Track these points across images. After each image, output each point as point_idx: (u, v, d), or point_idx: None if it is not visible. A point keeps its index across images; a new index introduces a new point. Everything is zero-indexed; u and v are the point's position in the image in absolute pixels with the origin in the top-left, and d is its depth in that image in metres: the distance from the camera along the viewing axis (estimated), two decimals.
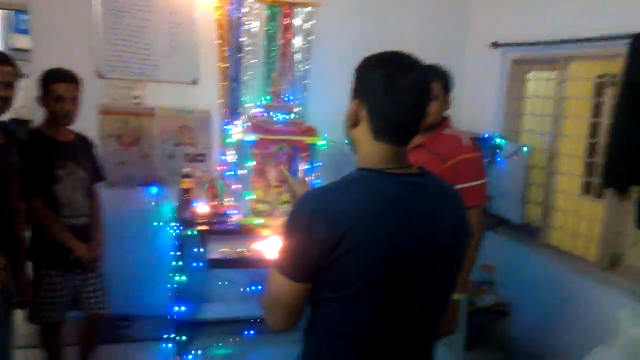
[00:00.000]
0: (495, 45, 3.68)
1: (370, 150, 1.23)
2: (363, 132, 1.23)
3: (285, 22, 3.68)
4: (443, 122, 2.27)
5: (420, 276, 1.19)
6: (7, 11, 4.94)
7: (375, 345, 1.21)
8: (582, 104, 3.17)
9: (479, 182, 2.18)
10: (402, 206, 1.16)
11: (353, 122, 1.25)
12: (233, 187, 3.31)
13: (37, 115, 2.66)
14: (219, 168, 3.60)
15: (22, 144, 2.55)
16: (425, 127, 2.16)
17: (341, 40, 3.68)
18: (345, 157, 3.66)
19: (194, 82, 3.57)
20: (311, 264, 1.14)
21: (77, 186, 2.57)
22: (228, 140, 3.49)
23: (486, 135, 3.63)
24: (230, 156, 3.42)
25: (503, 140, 3.60)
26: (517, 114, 3.69)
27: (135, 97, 3.48)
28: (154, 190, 3.49)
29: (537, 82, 3.58)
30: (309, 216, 1.12)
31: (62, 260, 2.49)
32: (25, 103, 5.08)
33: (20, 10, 3.80)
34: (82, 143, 2.72)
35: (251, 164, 3.10)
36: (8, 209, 2.19)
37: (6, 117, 5.17)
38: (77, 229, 2.55)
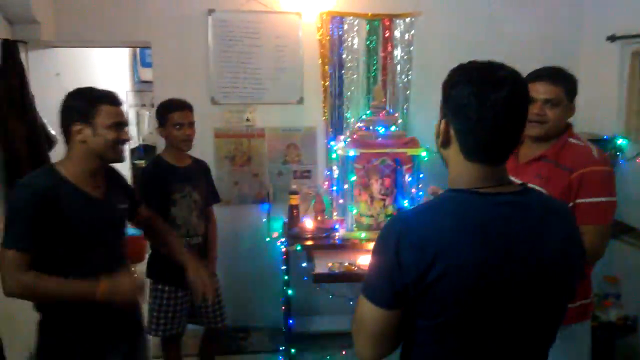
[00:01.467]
0: (612, 38, 3.42)
1: (462, 170, 1.16)
2: (454, 152, 1.17)
3: (385, 35, 3.71)
4: (567, 130, 2.06)
5: (522, 304, 1.10)
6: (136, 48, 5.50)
7: None
8: None
9: (605, 199, 1.92)
10: (497, 229, 1.08)
11: (443, 142, 1.19)
12: (339, 201, 3.39)
13: (162, 141, 2.92)
14: (324, 183, 3.70)
15: (144, 169, 2.80)
16: (546, 136, 2.02)
17: (442, 47, 3.63)
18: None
19: (300, 102, 3.72)
20: (399, 290, 1.08)
21: (192, 208, 2.77)
22: (332, 156, 3.58)
23: (606, 137, 3.38)
24: (335, 171, 3.50)
25: (625, 141, 3.33)
26: None
27: (247, 120, 3.70)
28: (265, 207, 3.68)
29: None
30: (396, 241, 1.08)
31: (179, 277, 2.69)
32: (152, 130, 5.61)
33: (145, 47, 4.19)
34: (199, 167, 2.93)
35: (354, 178, 3.15)
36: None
37: (136, 144, 5.76)
38: (192, 248, 2.73)
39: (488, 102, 1.08)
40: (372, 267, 1.15)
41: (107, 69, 5.07)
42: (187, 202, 2.75)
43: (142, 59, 5.60)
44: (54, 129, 3.11)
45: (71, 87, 2.02)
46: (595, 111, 3.63)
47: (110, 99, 1.86)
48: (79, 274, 1.76)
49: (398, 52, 3.72)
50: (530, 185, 1.21)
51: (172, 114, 2.72)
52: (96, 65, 4.79)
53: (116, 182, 2.08)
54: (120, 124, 1.86)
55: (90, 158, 1.84)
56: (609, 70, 3.52)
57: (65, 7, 3.46)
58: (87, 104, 1.82)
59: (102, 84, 2.29)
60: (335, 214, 3.46)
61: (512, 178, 1.20)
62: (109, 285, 1.74)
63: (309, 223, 3.34)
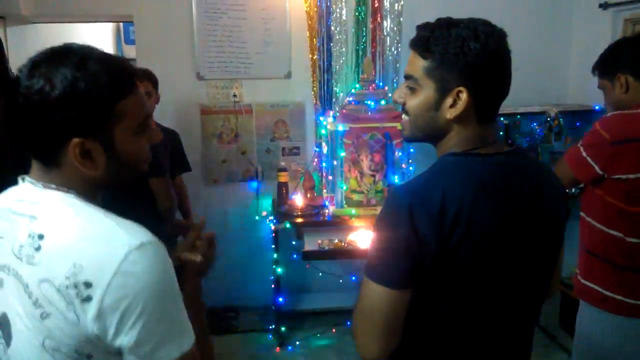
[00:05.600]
0: (604, 6, 3.34)
1: (467, 134, 1.10)
2: (465, 119, 1.09)
3: (375, 5, 3.61)
4: None
5: (529, 261, 1.11)
6: (119, 23, 5.34)
7: (482, 334, 1.12)
8: None
9: (577, 148, 1.82)
10: (502, 188, 1.06)
11: (463, 112, 1.08)
12: (328, 178, 3.33)
13: None
14: (314, 160, 3.63)
15: None
16: None
17: (432, 18, 3.53)
18: None
19: (288, 76, 3.62)
20: (414, 265, 1.01)
21: None
22: (321, 132, 3.51)
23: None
24: (324, 147, 3.43)
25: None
26: None
27: (234, 96, 3.61)
28: (254, 185, 3.61)
29: None
30: (409, 213, 1.00)
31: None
32: None
33: (128, 22, 4.06)
34: (166, 136, 2.85)
35: (343, 154, 3.09)
36: None
37: None
38: None
39: (499, 56, 1.07)
40: (381, 246, 1.05)
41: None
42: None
43: (125, 35, 5.43)
44: None
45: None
46: (589, 81, 3.56)
47: None
48: None
49: (387, 24, 3.63)
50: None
51: None
52: (78, 42, 4.65)
53: None
54: None
55: None
56: (602, 38, 3.44)
57: None
58: None
59: None
60: (325, 190, 3.41)
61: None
62: None
63: (298, 200, 3.29)
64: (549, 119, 3.24)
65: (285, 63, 3.61)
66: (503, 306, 1.12)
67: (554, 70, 3.76)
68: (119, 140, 0.93)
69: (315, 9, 3.55)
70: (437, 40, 1.08)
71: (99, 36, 5.21)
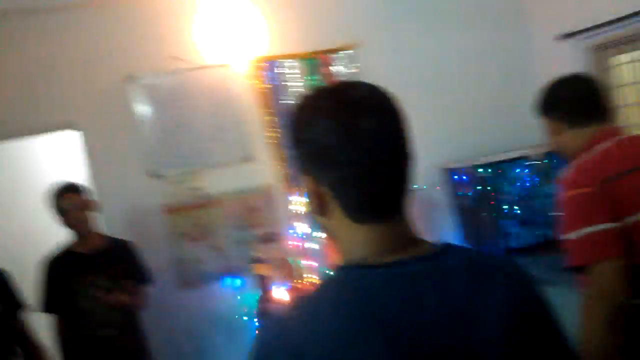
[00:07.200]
0: (566, 36, 3.22)
1: (353, 239, 0.84)
2: (338, 217, 0.84)
3: (325, 72, 3.45)
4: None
5: None
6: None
7: None
8: None
9: (574, 234, 1.43)
10: (404, 313, 0.77)
11: (318, 209, 0.85)
12: (309, 261, 3.06)
13: None
14: (292, 244, 3.34)
15: (45, 262, 2.56)
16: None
17: (391, 76, 3.36)
18: (432, 205, 3.30)
19: (249, 159, 3.39)
20: None
21: (100, 297, 2.51)
22: (296, 213, 3.25)
23: None
24: (302, 229, 3.18)
25: None
26: None
27: (196, 189, 3.35)
28: (235, 282, 3.30)
29: (623, 67, 3.09)
30: (267, 355, 0.79)
31: None
32: None
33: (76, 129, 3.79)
34: (115, 250, 2.67)
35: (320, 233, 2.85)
36: None
37: None
38: (103, 341, 2.45)
39: (356, 133, 0.79)
40: None
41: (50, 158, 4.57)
42: (92, 291, 2.50)
43: None
44: None
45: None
46: None
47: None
48: None
49: None
50: (455, 244, 0.88)
51: (58, 200, 2.56)
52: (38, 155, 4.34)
53: None
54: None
55: None
56: (565, 69, 3.33)
57: None
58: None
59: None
60: (308, 276, 3.13)
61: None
62: None
63: (279, 292, 2.99)
64: (537, 161, 2.98)
65: (245, 146, 3.38)
66: None
67: (524, 109, 3.60)
68: None
69: (269, 85, 3.37)
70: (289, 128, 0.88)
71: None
